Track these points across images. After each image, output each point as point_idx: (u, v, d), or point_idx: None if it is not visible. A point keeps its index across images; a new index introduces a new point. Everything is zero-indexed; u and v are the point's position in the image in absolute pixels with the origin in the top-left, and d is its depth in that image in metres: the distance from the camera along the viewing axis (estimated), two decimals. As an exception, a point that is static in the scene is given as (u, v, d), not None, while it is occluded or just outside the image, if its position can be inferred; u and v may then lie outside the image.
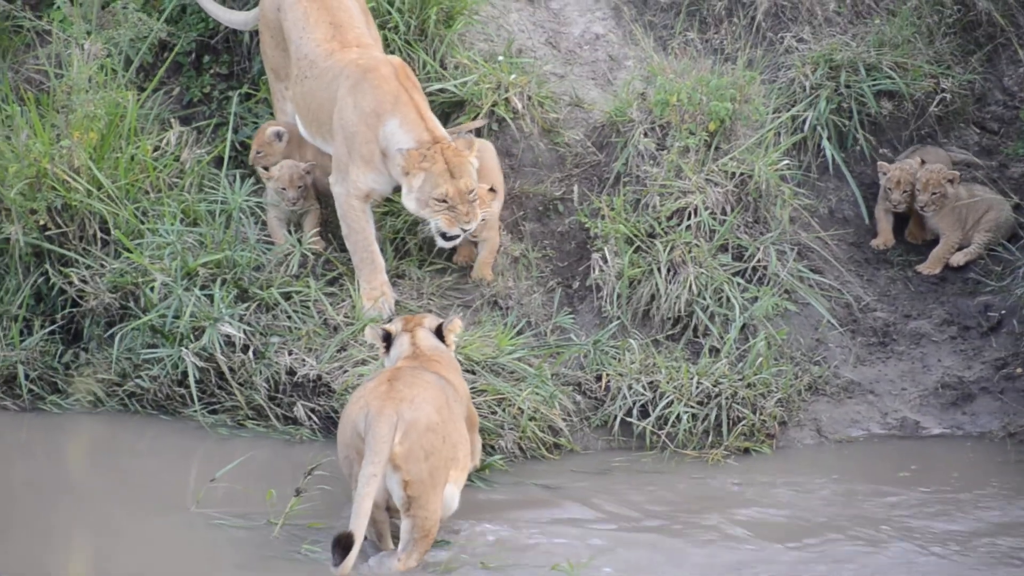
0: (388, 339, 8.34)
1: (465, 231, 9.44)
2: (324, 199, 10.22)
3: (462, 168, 9.35)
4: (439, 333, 8.35)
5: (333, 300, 9.68)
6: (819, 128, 10.70)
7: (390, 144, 9.44)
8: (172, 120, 10.56)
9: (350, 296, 9.68)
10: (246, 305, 9.50)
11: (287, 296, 9.60)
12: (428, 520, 7.55)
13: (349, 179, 9.56)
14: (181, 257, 9.53)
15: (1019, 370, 9.73)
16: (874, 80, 10.78)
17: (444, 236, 9.47)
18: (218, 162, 10.37)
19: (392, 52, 10.34)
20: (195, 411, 9.34)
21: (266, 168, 10.11)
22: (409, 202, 9.42)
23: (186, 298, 9.37)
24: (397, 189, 9.58)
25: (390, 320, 9.30)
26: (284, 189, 9.92)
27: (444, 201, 9.28)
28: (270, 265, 9.74)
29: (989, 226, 10.38)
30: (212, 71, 11.02)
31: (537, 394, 9.23)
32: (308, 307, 9.61)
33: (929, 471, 9.18)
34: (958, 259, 10.40)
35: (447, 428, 7.70)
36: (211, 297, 9.42)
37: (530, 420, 9.13)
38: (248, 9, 10.75)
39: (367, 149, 9.50)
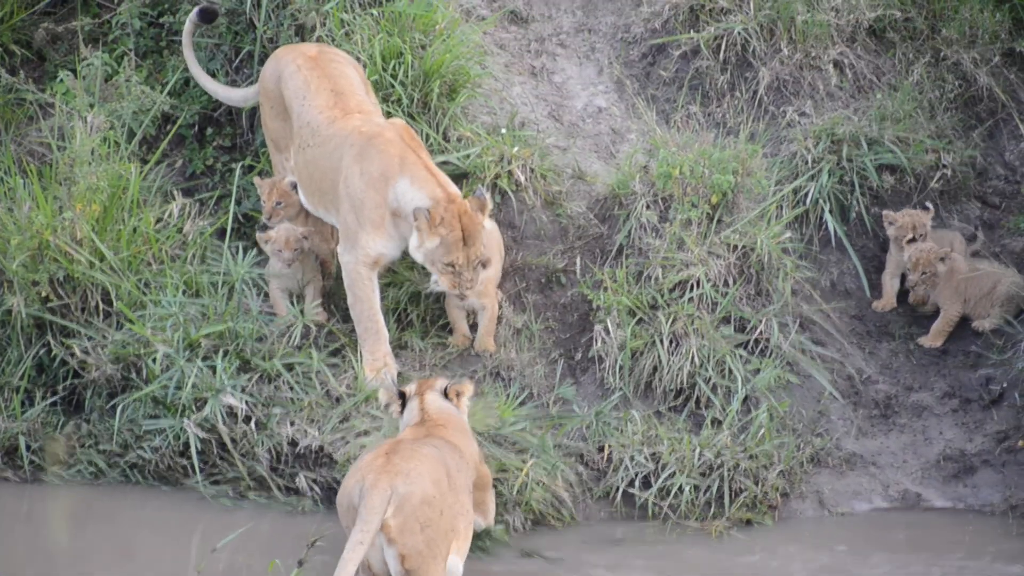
0: (403, 399, 8.40)
1: (463, 297, 9.48)
2: (325, 270, 10.26)
3: (475, 236, 9.36)
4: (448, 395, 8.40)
5: (335, 371, 9.68)
6: (821, 201, 10.72)
7: (402, 204, 9.43)
8: (175, 192, 10.59)
9: (352, 367, 9.68)
10: (248, 376, 9.50)
11: (289, 367, 9.60)
12: None
13: (358, 246, 9.56)
14: (183, 328, 9.54)
15: (1020, 443, 9.71)
16: (876, 154, 10.82)
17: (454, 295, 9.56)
18: (220, 234, 10.37)
19: (394, 122, 10.41)
20: (197, 482, 9.33)
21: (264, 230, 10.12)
22: (417, 255, 9.43)
23: (188, 369, 9.37)
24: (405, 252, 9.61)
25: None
26: (280, 250, 9.93)
27: (452, 267, 9.30)
28: (272, 336, 9.73)
29: (1002, 299, 10.37)
30: (215, 143, 11.07)
31: (540, 466, 9.21)
32: (310, 378, 9.60)
33: (930, 544, 9.14)
34: (984, 325, 10.38)
35: (445, 501, 7.65)
36: (213, 368, 9.42)
37: (532, 491, 9.11)
38: (250, 84, 10.81)
39: (377, 214, 9.49)
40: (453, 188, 9.54)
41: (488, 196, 9.59)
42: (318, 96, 9.91)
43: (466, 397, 8.54)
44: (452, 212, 9.30)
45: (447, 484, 7.73)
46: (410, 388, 8.45)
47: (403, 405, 8.42)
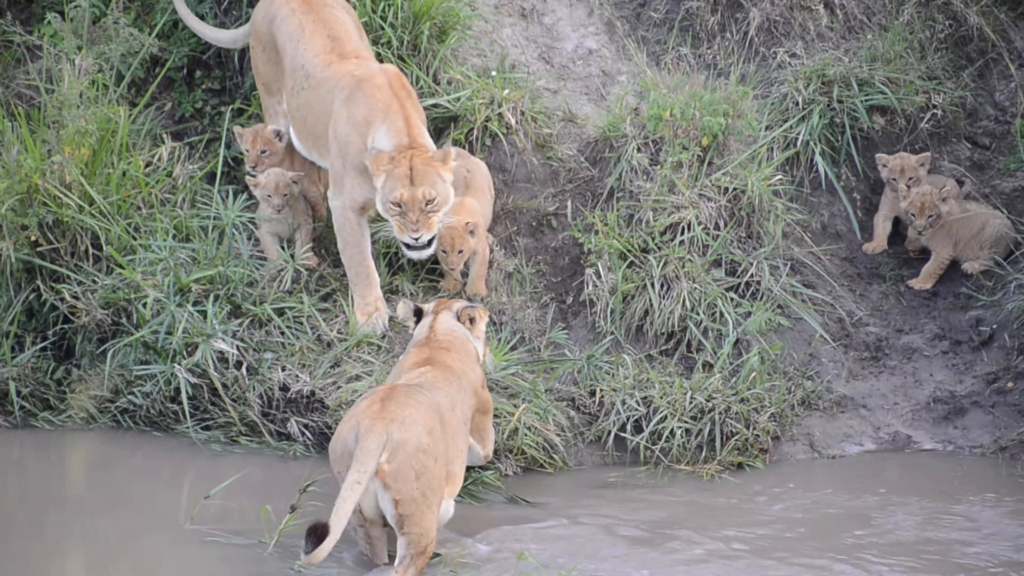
0: (419, 315, 8.49)
1: (416, 239, 9.32)
2: (315, 214, 10.24)
3: (424, 177, 9.26)
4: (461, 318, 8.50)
5: (327, 316, 9.67)
6: (812, 143, 10.70)
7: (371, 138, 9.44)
8: (164, 135, 10.54)
9: (343, 312, 9.66)
10: (239, 321, 9.48)
11: (280, 312, 9.58)
12: (423, 538, 7.54)
13: (344, 191, 9.53)
14: (174, 273, 9.52)
15: (1010, 384, 9.75)
16: (866, 95, 10.78)
17: (406, 245, 9.42)
18: (211, 178, 10.33)
19: (386, 65, 10.36)
20: (188, 427, 9.33)
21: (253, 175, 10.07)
22: (378, 205, 9.38)
23: (179, 314, 9.35)
24: None
25: (384, 336, 9.34)
26: (270, 196, 9.88)
27: (398, 205, 9.24)
28: (263, 281, 9.71)
29: (990, 242, 10.38)
30: (204, 86, 11.00)
31: (531, 410, 9.22)
32: (301, 323, 9.59)
33: (921, 485, 9.17)
34: (973, 267, 10.39)
35: (439, 448, 7.70)
36: (204, 313, 9.40)
37: (524, 436, 9.12)
38: (239, 25, 10.74)
39: (360, 159, 9.44)
40: (423, 140, 9.47)
41: (453, 152, 9.53)
42: (313, 40, 9.85)
43: (481, 323, 8.59)
44: (404, 154, 9.27)
45: (441, 431, 7.76)
46: (428, 306, 8.51)
47: (418, 321, 8.49)
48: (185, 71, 11.02)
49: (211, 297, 9.49)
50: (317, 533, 7.22)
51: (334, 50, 9.79)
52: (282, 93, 10.08)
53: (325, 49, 9.79)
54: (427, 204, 9.26)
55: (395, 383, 7.99)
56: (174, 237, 9.83)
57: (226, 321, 9.42)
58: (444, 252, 9.75)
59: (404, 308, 8.56)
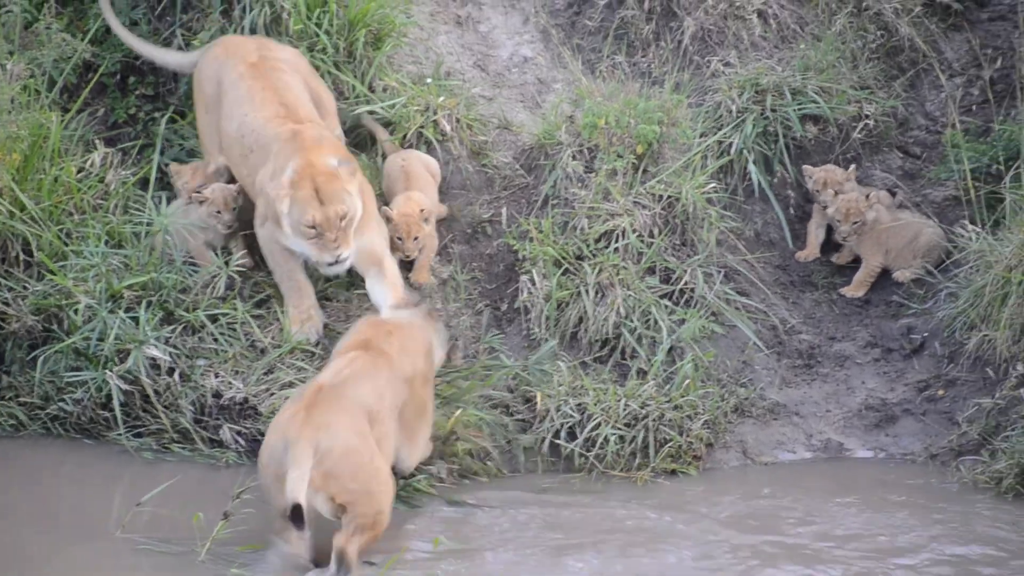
0: None
1: (338, 258, 9.24)
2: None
3: (332, 194, 9.14)
4: None
5: (260, 322, 9.62)
6: (745, 151, 10.75)
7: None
8: (97, 141, 10.44)
9: (278, 319, 9.62)
10: (172, 327, 9.41)
11: (214, 318, 9.52)
12: (375, 516, 7.73)
13: (269, 227, 9.50)
14: (106, 279, 9.44)
15: (941, 392, 9.82)
16: (799, 104, 10.85)
17: (327, 264, 9.32)
18: (143, 184, 10.22)
19: (320, 75, 10.30)
20: (119, 435, 9.24)
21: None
22: (289, 232, 9.26)
23: (111, 320, 9.27)
24: None
25: (318, 343, 9.33)
26: (219, 212, 9.80)
27: (313, 228, 9.13)
28: (196, 287, 9.65)
29: (923, 251, 10.46)
30: (137, 92, 10.90)
31: (466, 417, 9.22)
32: (235, 329, 9.53)
33: (853, 492, 9.22)
34: (905, 276, 10.46)
35: (369, 445, 7.83)
36: (136, 319, 9.33)
37: (458, 443, 9.12)
38: (172, 34, 10.70)
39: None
40: (325, 160, 9.31)
41: (353, 167, 9.42)
42: (264, 107, 9.73)
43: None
44: (303, 174, 9.15)
45: (369, 428, 7.91)
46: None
47: None
48: (119, 77, 10.90)
49: (144, 303, 9.41)
50: (296, 514, 7.36)
51: (288, 117, 9.66)
52: (214, 152, 10.02)
53: (277, 115, 9.67)
54: (341, 220, 9.18)
55: (320, 383, 7.98)
56: (106, 243, 9.73)
57: (158, 327, 9.35)
58: (399, 239, 9.73)
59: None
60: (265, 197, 9.41)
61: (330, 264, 9.26)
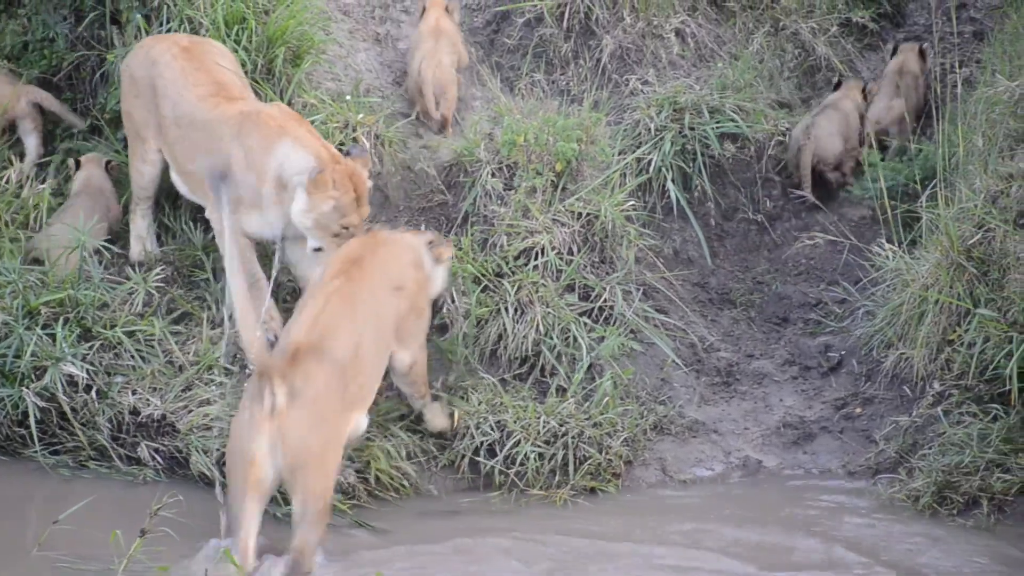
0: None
1: None
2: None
3: (367, 195, 9.15)
4: None
5: (178, 338, 9.54)
6: (664, 169, 10.80)
7: (285, 169, 9.12)
8: (13, 156, 10.35)
9: (196, 335, 9.55)
10: (89, 344, 9.31)
11: (131, 335, 9.44)
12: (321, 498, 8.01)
13: (238, 220, 9.31)
14: (23, 295, 9.33)
15: (858, 410, 9.89)
16: (717, 122, 10.92)
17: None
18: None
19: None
20: (36, 452, 9.13)
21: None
22: (305, 219, 9.05)
23: (27, 337, 9.16)
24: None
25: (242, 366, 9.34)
26: None
27: (347, 229, 9.06)
28: (115, 303, 9.56)
29: None
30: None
31: (383, 435, 9.20)
32: (153, 346, 9.46)
33: (770, 509, 9.27)
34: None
35: (337, 416, 8.16)
36: (53, 336, 9.23)
37: (375, 461, 9.09)
38: (89, 49, 10.61)
39: (256, 194, 9.20)
40: (334, 149, 9.30)
41: (368, 152, 9.53)
42: (199, 87, 9.61)
43: (444, 261, 9.13)
44: (342, 173, 9.05)
45: (341, 395, 8.19)
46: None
47: None
48: (35, 91, 10.83)
49: (61, 320, 9.31)
50: None
51: (220, 94, 9.59)
52: (153, 139, 9.88)
53: (211, 93, 9.59)
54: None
55: (297, 343, 8.15)
56: (23, 259, 9.64)
57: (76, 344, 9.25)
58: None
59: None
60: (239, 183, 9.26)
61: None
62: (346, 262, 8.58)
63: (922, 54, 11.70)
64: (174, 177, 9.85)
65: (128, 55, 10.09)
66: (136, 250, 10.12)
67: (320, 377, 8.02)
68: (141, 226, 10.11)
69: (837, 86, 11.52)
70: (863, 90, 11.50)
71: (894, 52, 11.80)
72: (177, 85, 9.67)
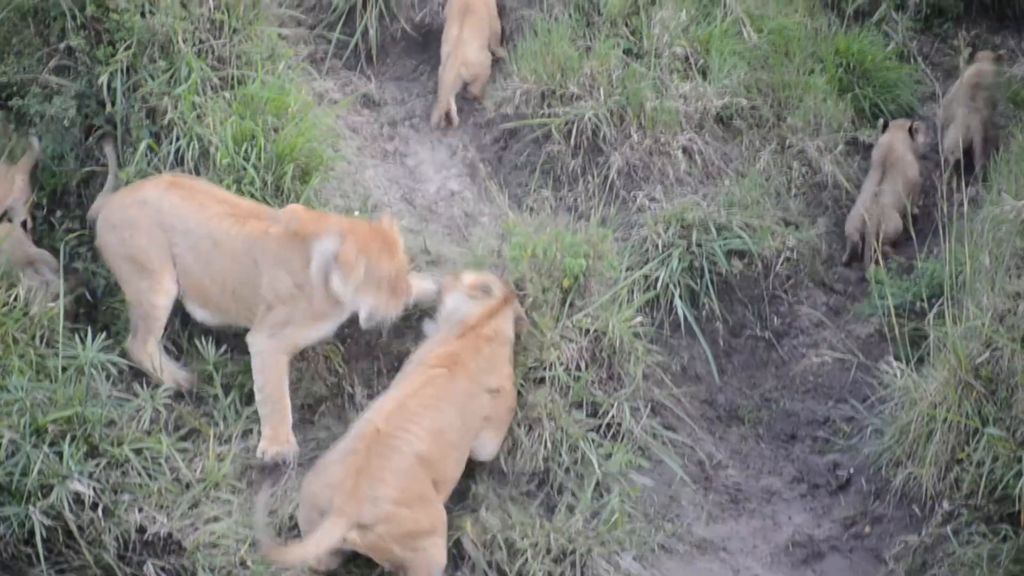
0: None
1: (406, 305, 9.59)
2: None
3: (397, 246, 9.38)
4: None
5: (185, 456, 9.53)
6: (671, 285, 10.83)
7: (321, 264, 9.35)
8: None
9: (203, 451, 9.53)
10: (96, 461, 9.28)
11: (138, 452, 9.42)
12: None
13: (284, 337, 9.49)
14: (30, 413, 9.32)
15: (868, 529, 9.83)
16: (724, 239, 10.96)
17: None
18: (69, 316, 10.19)
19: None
20: (42, 571, 9.08)
21: None
22: (347, 291, 9.31)
23: (34, 455, 9.14)
24: None
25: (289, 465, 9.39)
26: None
27: (392, 279, 9.27)
28: (122, 421, 9.55)
29: None
30: (64, 226, 10.84)
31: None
32: (160, 463, 9.44)
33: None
34: None
35: (420, 505, 8.42)
36: (60, 454, 9.21)
37: None
38: (99, 166, 10.68)
39: (307, 305, 9.45)
40: (355, 218, 9.57)
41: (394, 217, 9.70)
42: (207, 208, 9.74)
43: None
44: (364, 234, 9.29)
45: (423, 482, 8.45)
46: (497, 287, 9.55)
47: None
48: (45, 210, 10.86)
49: (68, 437, 9.28)
50: None
51: (233, 214, 9.69)
52: (166, 270, 9.91)
53: (224, 213, 9.70)
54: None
55: (376, 427, 8.41)
56: (31, 376, 9.64)
57: (83, 462, 9.22)
58: None
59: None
60: (286, 301, 9.47)
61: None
62: (446, 359, 8.89)
63: (911, 132, 11.98)
64: (192, 308, 9.91)
65: (108, 210, 10.10)
66: (172, 378, 10.05)
67: (396, 475, 8.33)
68: (159, 356, 10.06)
69: (885, 127, 11.80)
70: (910, 129, 11.83)
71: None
72: (185, 213, 9.76)
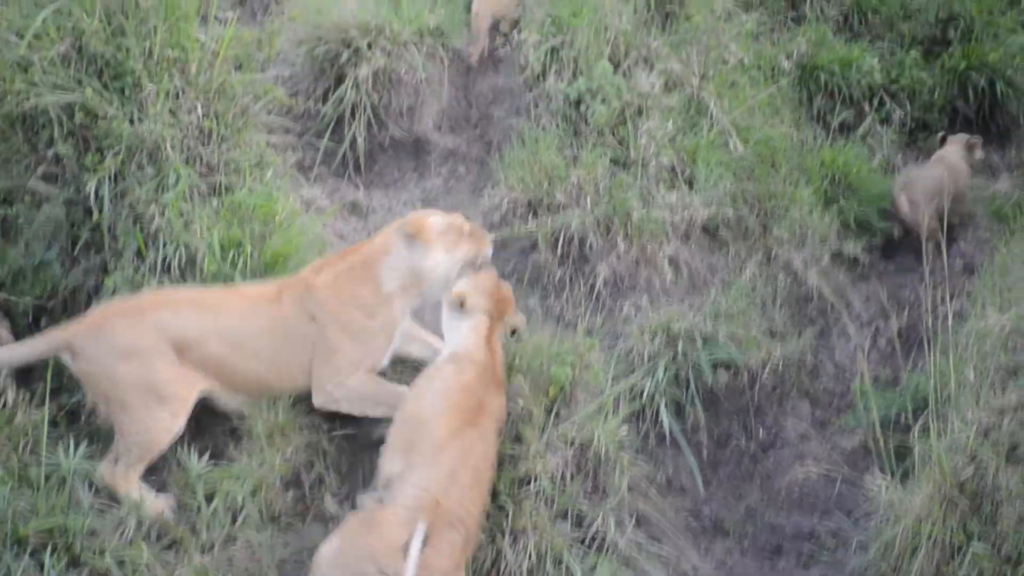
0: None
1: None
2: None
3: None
4: None
5: (168, 569, 9.45)
6: (657, 396, 10.83)
7: (381, 278, 9.78)
8: (9, 381, 10.36)
9: (185, 561, 9.47)
10: (78, 571, 9.21)
11: (120, 563, 9.36)
12: None
13: (357, 369, 9.66)
14: (11, 522, 9.27)
15: (855, 644, 9.83)
16: (710, 351, 10.98)
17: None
18: (53, 424, 10.15)
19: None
20: None
21: None
22: (452, 265, 9.96)
23: (15, 565, 9.09)
24: None
25: None
26: None
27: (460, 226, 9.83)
28: (104, 531, 9.49)
29: None
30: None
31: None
32: (142, 573, 9.36)
33: None
34: None
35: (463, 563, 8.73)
36: (41, 564, 9.14)
37: None
38: (86, 273, 10.69)
39: (360, 326, 9.67)
40: None
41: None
42: (212, 294, 9.82)
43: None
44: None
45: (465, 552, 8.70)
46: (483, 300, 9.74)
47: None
48: (30, 318, 10.82)
49: (49, 547, 9.23)
50: None
51: (243, 291, 9.79)
52: (183, 390, 9.68)
53: (237, 293, 9.79)
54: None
55: (438, 500, 8.62)
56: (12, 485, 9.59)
57: (64, 572, 9.16)
58: None
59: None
60: (353, 344, 9.63)
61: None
62: (471, 413, 9.11)
63: (969, 147, 12.60)
64: (224, 402, 9.86)
65: (97, 338, 9.77)
66: (155, 509, 9.73)
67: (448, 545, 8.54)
68: (138, 484, 9.80)
69: (943, 141, 12.18)
70: (967, 144, 12.25)
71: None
72: (199, 314, 9.71)
